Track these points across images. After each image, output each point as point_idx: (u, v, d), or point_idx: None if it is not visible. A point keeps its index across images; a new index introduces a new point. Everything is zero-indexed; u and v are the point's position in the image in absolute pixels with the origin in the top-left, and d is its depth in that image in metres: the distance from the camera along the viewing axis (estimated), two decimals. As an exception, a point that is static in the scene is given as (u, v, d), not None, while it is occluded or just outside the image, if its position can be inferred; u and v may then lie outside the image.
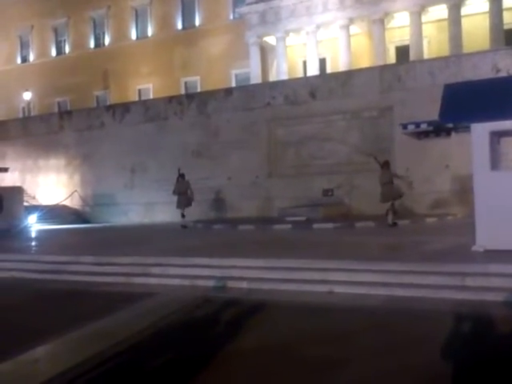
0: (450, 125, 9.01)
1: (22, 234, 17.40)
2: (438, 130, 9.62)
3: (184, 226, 16.60)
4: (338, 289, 7.21)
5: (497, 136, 8.54)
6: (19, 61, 40.53)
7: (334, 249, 9.73)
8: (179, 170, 17.03)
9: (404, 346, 4.86)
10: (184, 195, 16.76)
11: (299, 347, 4.92)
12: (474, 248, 8.10)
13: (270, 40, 30.28)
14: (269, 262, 8.47)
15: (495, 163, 8.31)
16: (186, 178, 17.03)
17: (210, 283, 8.07)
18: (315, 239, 11.65)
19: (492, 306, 6.07)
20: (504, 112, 7.93)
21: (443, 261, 7.59)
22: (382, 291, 6.91)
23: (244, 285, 7.83)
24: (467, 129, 8.49)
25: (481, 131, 8.11)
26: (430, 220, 14.85)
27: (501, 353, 4.61)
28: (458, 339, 5.10)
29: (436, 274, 7.14)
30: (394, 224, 13.44)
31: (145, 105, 23.59)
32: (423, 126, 9.54)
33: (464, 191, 14.13)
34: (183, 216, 16.84)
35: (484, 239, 8.03)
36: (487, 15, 25.25)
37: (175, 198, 16.96)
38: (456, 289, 6.65)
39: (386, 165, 13.70)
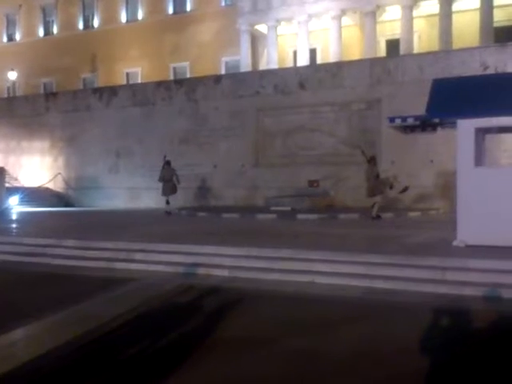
0: (437, 120, 9.05)
1: (2, 215, 17.18)
2: (425, 124, 9.64)
3: (168, 213, 16.57)
4: (319, 279, 7.26)
5: (482, 133, 8.62)
6: (5, 39, 39.74)
7: (317, 239, 9.77)
8: (165, 157, 16.98)
9: (382, 338, 4.91)
10: (169, 182, 16.73)
11: (278, 338, 4.92)
12: (455, 243, 8.20)
13: (262, 28, 30.06)
14: (251, 251, 8.48)
15: (479, 159, 8.39)
16: (172, 164, 17.00)
17: (191, 270, 8.07)
18: (299, 229, 11.67)
19: (471, 300, 6.15)
20: (490, 109, 7.99)
21: (424, 254, 7.66)
22: (362, 283, 6.97)
23: (226, 273, 7.84)
24: (453, 124, 8.54)
25: (466, 127, 8.16)
26: (412, 214, 14.98)
27: (477, 346, 4.68)
28: (435, 332, 5.16)
29: (416, 267, 7.21)
30: (378, 217, 13.55)
31: (132, 89, 23.30)
32: (410, 121, 9.54)
33: (447, 186, 14.25)
34: (168, 203, 16.83)
35: (465, 234, 8.12)
36: (478, 12, 25.34)
37: (161, 185, 16.92)
38: (436, 283, 6.73)
39: (372, 160, 13.81)
